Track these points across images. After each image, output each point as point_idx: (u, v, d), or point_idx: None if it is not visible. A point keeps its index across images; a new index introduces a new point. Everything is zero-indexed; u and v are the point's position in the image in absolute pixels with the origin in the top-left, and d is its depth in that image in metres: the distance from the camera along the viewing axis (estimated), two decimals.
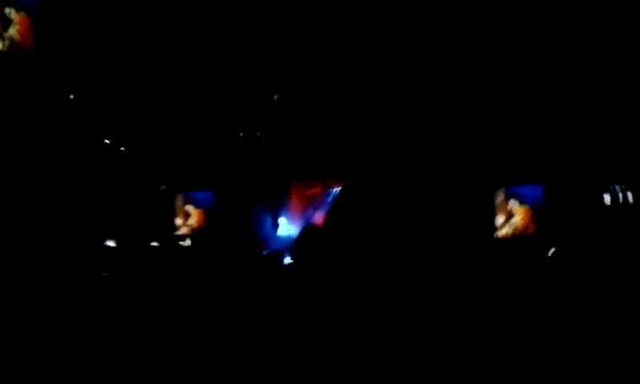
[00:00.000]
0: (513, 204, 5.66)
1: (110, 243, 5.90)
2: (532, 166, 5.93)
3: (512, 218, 5.63)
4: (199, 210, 6.48)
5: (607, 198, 5.65)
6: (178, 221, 6.36)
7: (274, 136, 7.16)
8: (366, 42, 6.71)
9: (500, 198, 5.69)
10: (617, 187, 5.69)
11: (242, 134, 7.08)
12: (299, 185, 7.36)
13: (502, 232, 5.65)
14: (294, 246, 6.41)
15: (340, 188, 6.79)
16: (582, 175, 5.86)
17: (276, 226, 7.12)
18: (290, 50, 6.83)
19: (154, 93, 6.60)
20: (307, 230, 6.41)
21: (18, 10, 5.68)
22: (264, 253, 6.25)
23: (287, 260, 6.18)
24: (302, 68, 6.85)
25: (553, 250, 5.42)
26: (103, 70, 6.23)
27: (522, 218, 5.57)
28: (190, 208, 6.46)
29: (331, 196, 7.11)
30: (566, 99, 6.08)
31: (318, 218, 6.84)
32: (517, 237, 5.55)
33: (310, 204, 7.22)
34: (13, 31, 5.47)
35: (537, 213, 5.61)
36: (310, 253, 6.09)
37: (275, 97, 6.97)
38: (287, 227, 7.07)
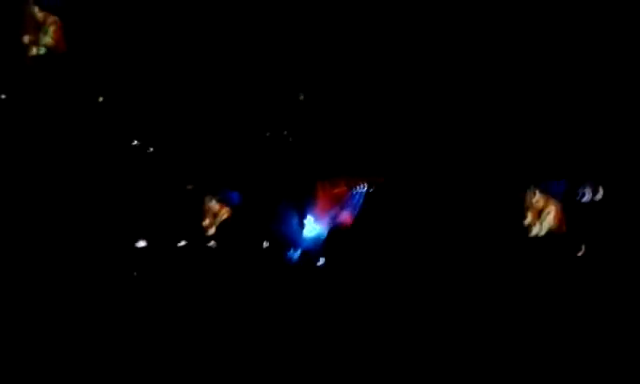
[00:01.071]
0: (543, 201, 5.60)
1: (140, 243, 5.93)
2: (560, 160, 5.88)
3: (543, 216, 5.58)
4: (227, 207, 6.49)
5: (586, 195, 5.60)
6: (207, 221, 6.38)
7: (300, 134, 7.16)
8: (390, 40, 6.69)
9: (529, 194, 5.64)
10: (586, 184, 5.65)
11: (268, 133, 7.08)
12: (325, 183, 7.34)
13: (535, 231, 5.61)
14: (325, 246, 6.45)
15: (368, 188, 6.82)
16: (609, 171, 5.82)
17: (302, 225, 7.12)
18: (315, 48, 6.81)
19: (180, 92, 6.61)
20: (336, 231, 6.44)
21: (43, 8, 5.73)
22: (292, 253, 6.26)
23: (319, 260, 6.19)
24: (328, 66, 6.84)
25: (583, 248, 5.38)
26: (131, 70, 6.26)
27: (555, 216, 5.52)
28: (217, 206, 6.47)
29: (358, 195, 7.10)
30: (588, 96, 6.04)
31: (345, 217, 6.83)
32: (551, 236, 5.51)
33: (336, 203, 7.21)
34: (47, 37, 5.54)
35: (568, 210, 5.55)
36: (340, 253, 6.12)
37: (301, 96, 6.97)
38: (313, 226, 7.07)
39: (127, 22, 6.22)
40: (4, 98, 5.61)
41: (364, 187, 7.15)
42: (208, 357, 5.33)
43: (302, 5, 6.51)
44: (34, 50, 5.70)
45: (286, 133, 7.13)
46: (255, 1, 6.47)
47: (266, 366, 5.26)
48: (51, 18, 5.65)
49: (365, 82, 6.87)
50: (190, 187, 6.66)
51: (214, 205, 6.51)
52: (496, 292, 5.35)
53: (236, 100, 6.85)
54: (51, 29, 5.53)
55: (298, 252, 6.44)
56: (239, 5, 6.47)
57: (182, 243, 6.13)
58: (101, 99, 6.18)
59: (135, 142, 6.34)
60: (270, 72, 6.85)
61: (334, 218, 6.86)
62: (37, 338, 4.75)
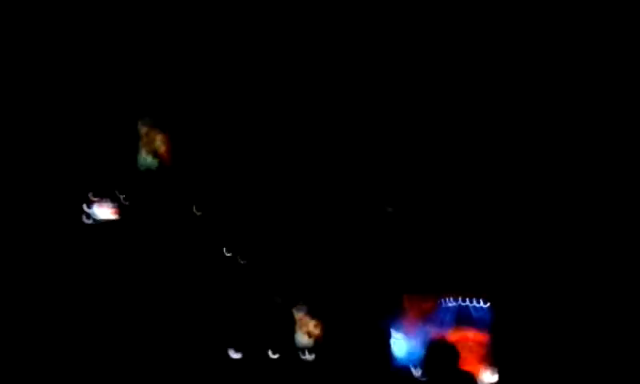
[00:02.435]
0: None
1: (235, 355, 5.92)
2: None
3: None
4: (317, 320, 6.47)
5: None
6: (300, 333, 6.35)
7: (387, 247, 7.15)
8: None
9: None
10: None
11: (353, 246, 7.09)
12: (412, 297, 7.27)
13: None
14: (424, 362, 6.31)
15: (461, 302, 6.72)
16: None
17: (390, 340, 7.01)
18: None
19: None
20: (434, 346, 6.32)
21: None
22: (388, 369, 6.14)
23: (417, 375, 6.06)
24: (420, 184, 6.89)
25: None
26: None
27: None
28: (309, 319, 6.45)
29: (447, 309, 6.99)
30: None
31: (435, 331, 6.70)
32: None
33: (425, 317, 7.10)
34: (161, 150, 5.90)
35: None
36: (441, 369, 5.98)
37: (389, 210, 7.00)
38: (402, 342, 6.95)
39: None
40: None
41: (453, 301, 7.05)
42: None
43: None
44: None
45: (373, 246, 7.14)
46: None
47: None
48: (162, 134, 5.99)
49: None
50: (278, 300, 6.68)
51: (304, 317, 6.50)
52: None
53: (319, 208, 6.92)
54: (163, 143, 5.87)
55: (394, 368, 6.34)
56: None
57: (276, 355, 6.09)
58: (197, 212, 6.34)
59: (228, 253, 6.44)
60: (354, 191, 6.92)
61: (423, 333, 6.74)
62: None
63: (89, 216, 5.63)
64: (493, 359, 6.27)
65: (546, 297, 6.25)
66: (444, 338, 6.34)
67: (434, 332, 6.61)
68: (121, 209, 5.72)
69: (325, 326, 6.44)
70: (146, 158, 5.89)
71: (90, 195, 5.68)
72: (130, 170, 5.80)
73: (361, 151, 6.90)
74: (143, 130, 5.95)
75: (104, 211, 5.66)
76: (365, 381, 6.08)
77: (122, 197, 5.74)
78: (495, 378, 6.17)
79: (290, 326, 6.38)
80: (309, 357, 6.20)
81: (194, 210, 6.37)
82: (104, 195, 5.70)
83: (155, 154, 5.87)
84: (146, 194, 5.80)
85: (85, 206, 5.66)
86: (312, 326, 6.42)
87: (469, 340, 6.46)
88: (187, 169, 6.02)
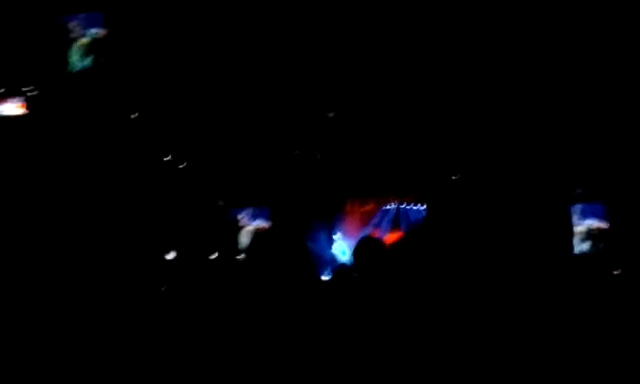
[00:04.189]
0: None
1: (170, 255, 5.84)
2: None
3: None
4: (256, 224, 6.44)
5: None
6: (243, 234, 6.34)
7: (330, 153, 7.10)
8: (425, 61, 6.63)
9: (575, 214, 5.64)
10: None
11: (297, 152, 7.03)
12: (354, 201, 7.28)
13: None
14: (354, 258, 6.35)
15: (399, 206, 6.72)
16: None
17: (331, 242, 7.04)
18: (347, 68, 6.75)
19: (213, 108, 6.56)
20: (366, 243, 6.35)
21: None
22: (321, 270, 6.17)
23: (349, 277, 6.10)
24: (358, 87, 6.79)
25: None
26: (165, 85, 6.22)
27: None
28: (248, 222, 6.43)
29: (387, 213, 7.02)
30: None
31: (375, 234, 6.74)
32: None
33: (366, 221, 7.14)
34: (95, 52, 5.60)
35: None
36: (371, 265, 6.00)
37: (331, 114, 6.92)
38: (342, 244, 6.99)
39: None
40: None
41: (394, 205, 7.08)
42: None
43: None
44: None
45: (315, 150, 7.08)
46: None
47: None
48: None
49: (394, 103, 6.82)
50: (221, 203, 6.61)
51: (244, 220, 6.47)
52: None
53: (267, 116, 6.79)
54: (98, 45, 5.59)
55: (328, 269, 6.36)
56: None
57: (213, 255, 6.04)
58: (134, 114, 6.14)
59: (168, 157, 6.30)
60: (301, 91, 6.79)
61: (363, 235, 6.78)
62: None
63: None
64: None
65: (482, 199, 6.28)
66: (375, 236, 6.40)
67: (372, 233, 6.66)
68: (29, 103, 5.40)
69: (267, 229, 6.42)
70: (79, 58, 5.59)
71: None
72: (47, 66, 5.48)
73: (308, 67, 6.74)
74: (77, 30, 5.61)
75: (9, 106, 5.32)
76: (304, 281, 6.09)
77: (30, 91, 5.41)
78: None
79: (233, 228, 6.35)
80: (242, 257, 6.18)
81: (132, 115, 6.17)
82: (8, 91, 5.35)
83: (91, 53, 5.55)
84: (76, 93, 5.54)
85: None
86: (254, 227, 6.41)
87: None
88: (127, 70, 5.75)
